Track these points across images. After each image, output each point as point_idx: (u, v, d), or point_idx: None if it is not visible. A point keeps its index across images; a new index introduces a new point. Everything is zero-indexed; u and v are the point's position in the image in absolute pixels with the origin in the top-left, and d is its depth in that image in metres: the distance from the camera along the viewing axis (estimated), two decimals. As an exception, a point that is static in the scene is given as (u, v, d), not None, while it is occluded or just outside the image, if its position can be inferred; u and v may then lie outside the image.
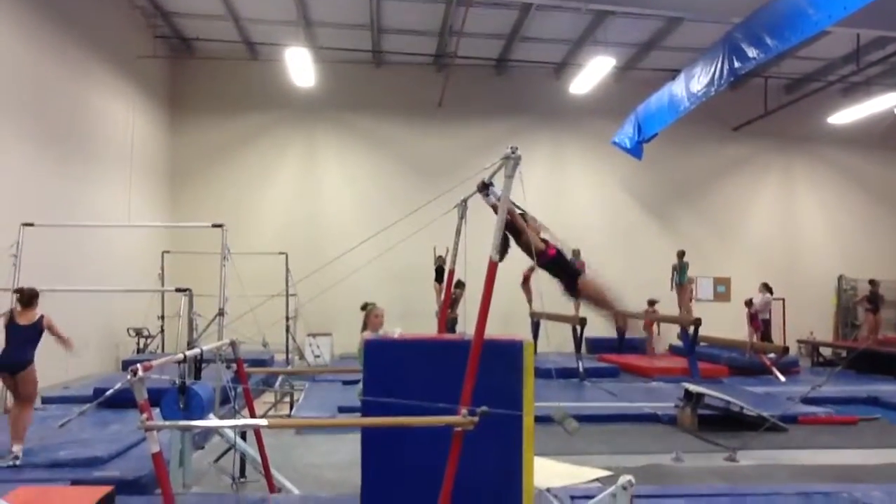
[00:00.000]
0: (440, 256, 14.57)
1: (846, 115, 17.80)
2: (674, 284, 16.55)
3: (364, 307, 7.08)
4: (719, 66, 11.04)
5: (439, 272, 14.91)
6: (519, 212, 4.96)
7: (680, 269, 16.29)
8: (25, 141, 11.18)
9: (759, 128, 18.90)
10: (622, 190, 19.40)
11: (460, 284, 12.61)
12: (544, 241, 5.21)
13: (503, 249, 4.99)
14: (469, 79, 18.27)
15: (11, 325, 6.67)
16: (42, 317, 6.76)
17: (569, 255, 5.32)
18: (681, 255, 16.34)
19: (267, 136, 18.31)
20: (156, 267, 14.77)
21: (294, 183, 18.42)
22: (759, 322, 15.65)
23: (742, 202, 20.09)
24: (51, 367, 11.36)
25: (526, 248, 5.07)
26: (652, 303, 16.06)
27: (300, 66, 15.22)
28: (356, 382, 7.21)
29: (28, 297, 6.80)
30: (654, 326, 16.59)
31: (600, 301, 5.31)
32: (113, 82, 14.54)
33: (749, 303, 15.69)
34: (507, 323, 13.96)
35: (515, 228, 4.99)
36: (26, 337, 6.62)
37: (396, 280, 16.46)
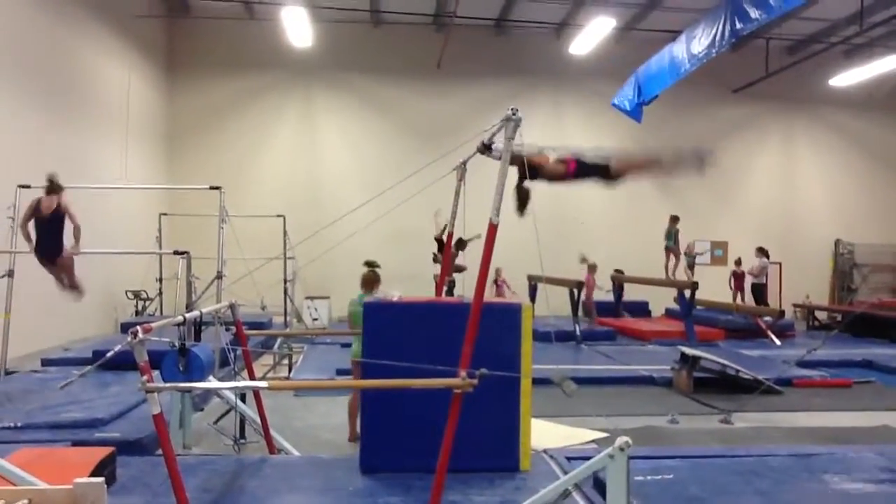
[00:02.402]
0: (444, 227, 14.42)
1: (848, 78, 17.66)
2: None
3: (368, 265, 7.05)
4: (721, 26, 10.90)
5: (440, 245, 14.87)
6: (525, 153, 4.88)
7: (668, 233, 16.05)
8: (21, 101, 11.06)
9: (759, 90, 18.74)
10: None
11: (461, 244, 12.57)
12: (561, 160, 5.14)
13: (524, 205, 4.98)
14: (468, 39, 18.07)
15: (37, 218, 7.32)
16: (59, 203, 7.35)
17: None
18: (672, 219, 16.04)
19: (264, 97, 18.16)
20: (153, 229, 14.73)
21: (292, 144, 18.32)
22: (743, 283, 15.78)
23: (741, 165, 20.01)
24: (50, 329, 11.46)
25: (551, 176, 5.04)
26: (591, 268, 15.71)
27: (297, 26, 15.03)
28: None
29: (53, 185, 7.45)
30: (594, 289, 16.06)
31: (641, 166, 5.25)
32: (109, 42, 14.37)
33: (738, 262, 15.83)
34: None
35: (534, 167, 4.93)
36: (52, 224, 7.28)
37: (395, 242, 16.43)
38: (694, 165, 5.02)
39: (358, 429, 6.44)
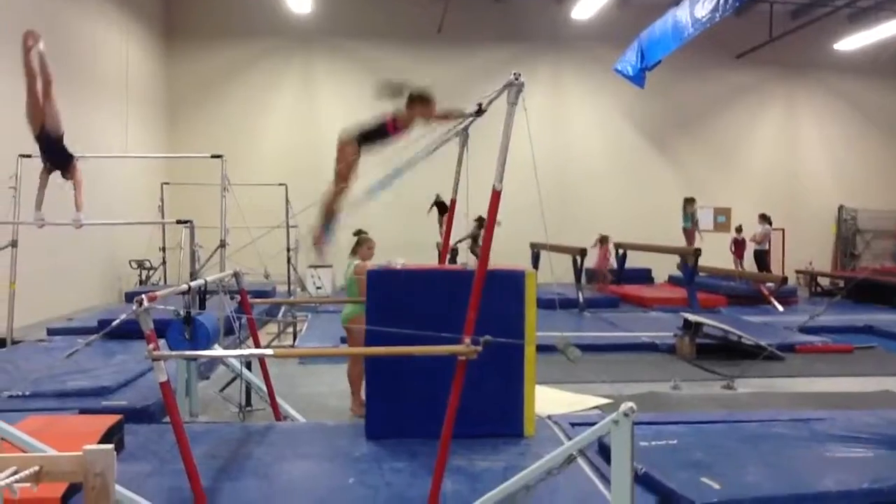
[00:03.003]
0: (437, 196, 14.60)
1: (853, 42, 17.48)
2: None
3: (357, 234, 7.11)
4: (726, -10, 10.77)
5: (441, 207, 14.88)
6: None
7: (684, 215, 16.10)
8: (19, 72, 10.95)
9: (763, 55, 18.54)
10: (623, 118, 19.20)
11: (481, 221, 12.70)
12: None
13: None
14: (469, 4, 17.87)
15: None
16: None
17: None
18: (687, 201, 16.05)
19: (264, 64, 18.00)
20: (155, 199, 14.70)
21: (292, 111, 18.20)
22: (744, 250, 15.83)
23: (744, 131, 19.90)
24: (55, 298, 11.50)
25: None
26: (604, 239, 15.96)
27: (296, -8, 14.86)
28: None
29: None
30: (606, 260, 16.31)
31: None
32: (107, 10, 14.21)
33: (739, 230, 15.88)
34: (507, 254, 13.98)
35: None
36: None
37: (397, 210, 16.39)
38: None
39: (363, 396, 6.51)
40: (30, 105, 6.72)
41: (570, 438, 4.71)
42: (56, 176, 7.00)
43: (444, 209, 14.44)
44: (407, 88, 4.91)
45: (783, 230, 18.24)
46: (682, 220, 15.94)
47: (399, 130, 5.01)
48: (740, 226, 16.26)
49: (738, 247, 15.92)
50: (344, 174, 5.14)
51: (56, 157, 6.65)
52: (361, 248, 6.93)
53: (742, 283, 14.69)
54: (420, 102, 4.91)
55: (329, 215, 5.23)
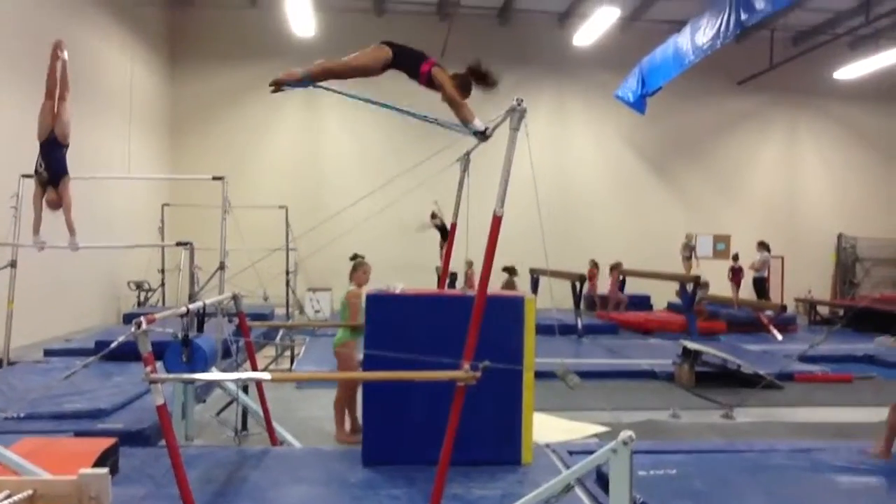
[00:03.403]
0: (433, 213, 14.54)
1: (853, 70, 17.58)
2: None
3: (354, 258, 7.12)
4: (726, 17, 10.87)
5: (443, 231, 14.86)
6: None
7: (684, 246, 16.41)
8: (24, 91, 11.01)
9: (764, 82, 18.67)
10: (624, 143, 19.29)
11: (513, 271, 12.64)
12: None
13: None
14: (472, 28, 18.01)
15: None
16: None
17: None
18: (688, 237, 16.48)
19: (267, 87, 18.01)
20: (156, 220, 14.72)
21: (294, 135, 18.29)
22: (741, 278, 15.90)
23: (744, 158, 19.98)
24: (52, 319, 11.46)
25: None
26: (616, 266, 16.16)
27: (301, 15, 14.97)
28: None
29: None
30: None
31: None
32: (112, 31, 14.33)
33: (735, 258, 15.97)
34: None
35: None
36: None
37: (397, 234, 16.43)
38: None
39: (348, 423, 6.46)
40: (45, 108, 6.66)
41: (568, 467, 4.68)
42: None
43: (445, 234, 14.38)
44: (479, 63, 4.64)
45: (782, 258, 18.24)
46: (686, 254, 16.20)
47: (427, 81, 4.69)
48: (737, 254, 16.31)
49: (736, 275, 15.95)
50: (356, 63, 4.80)
51: (54, 165, 6.52)
52: (357, 273, 6.94)
53: (741, 311, 14.66)
54: (475, 76, 4.64)
55: (314, 74, 4.82)
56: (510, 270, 12.89)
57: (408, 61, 4.66)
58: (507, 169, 3.68)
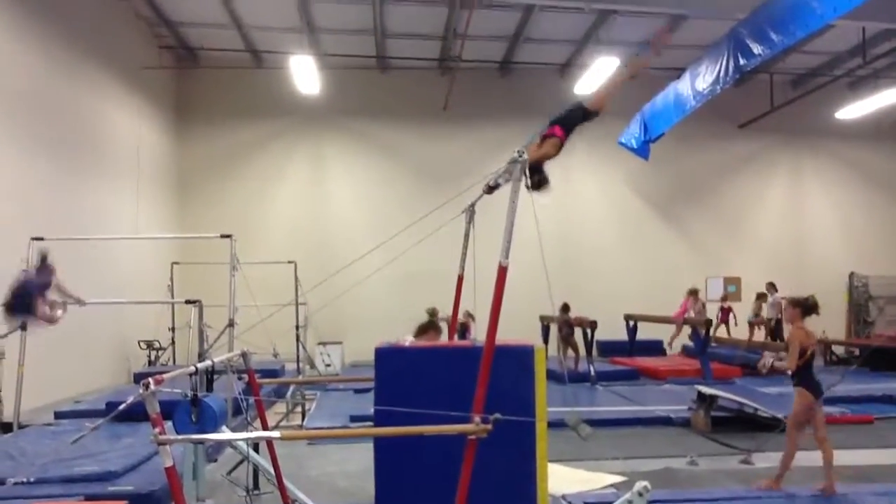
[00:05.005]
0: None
1: (854, 110, 17.69)
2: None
3: (431, 313, 6.93)
4: (724, 63, 10.99)
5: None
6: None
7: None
8: (34, 154, 11.21)
9: (765, 124, 18.81)
10: (629, 189, 19.36)
11: (433, 313, 11.69)
12: (548, 136, 5.34)
13: (542, 184, 4.95)
14: (474, 81, 18.28)
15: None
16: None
17: None
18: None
19: (273, 144, 18.35)
20: (165, 278, 14.79)
21: (302, 190, 18.45)
22: (728, 317, 16.24)
23: (750, 200, 20.00)
24: (63, 380, 11.44)
25: (555, 154, 5.27)
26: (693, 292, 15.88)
27: (305, 74, 15.25)
28: (367, 391, 7.15)
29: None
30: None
31: (611, 89, 5.20)
32: (119, 93, 14.59)
33: (724, 298, 16.03)
34: (516, 327, 13.89)
35: (537, 164, 5.01)
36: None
37: (405, 285, 16.42)
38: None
39: None
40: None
41: (585, 519, 4.59)
42: (53, 255, 7.63)
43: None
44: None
45: (794, 298, 18.12)
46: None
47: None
48: (725, 296, 16.41)
49: (724, 314, 16.11)
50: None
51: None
52: (428, 333, 6.66)
53: (755, 354, 14.50)
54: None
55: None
56: (431, 313, 11.42)
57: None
58: (511, 220, 3.69)
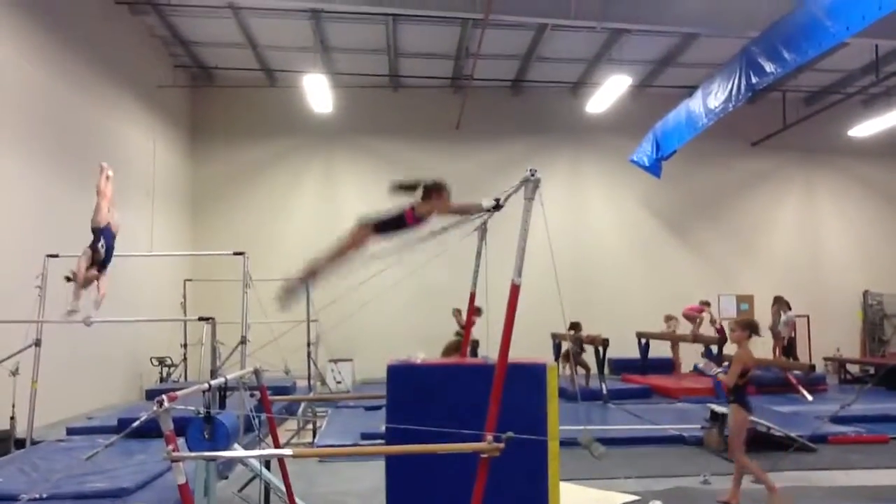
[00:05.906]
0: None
1: (867, 128, 17.65)
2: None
3: (458, 334, 6.96)
4: (736, 81, 11.01)
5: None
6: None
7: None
8: (49, 171, 11.33)
9: (778, 142, 18.78)
10: (641, 207, 19.33)
11: (478, 311, 11.85)
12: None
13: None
14: (486, 100, 18.37)
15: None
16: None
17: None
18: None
19: (286, 162, 18.46)
20: (178, 295, 14.85)
21: (314, 208, 18.51)
22: (723, 332, 15.84)
23: (763, 218, 19.92)
24: (76, 397, 11.49)
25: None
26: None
27: (318, 93, 15.37)
28: (378, 408, 7.15)
29: None
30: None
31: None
32: (134, 112, 14.75)
33: (714, 321, 15.84)
34: (528, 344, 13.86)
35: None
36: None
37: (418, 303, 16.43)
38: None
39: None
40: (101, 206, 7.85)
41: (597, 538, 4.55)
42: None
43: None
44: (420, 183, 4.99)
45: (808, 316, 17.99)
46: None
47: (418, 221, 5.06)
48: (719, 323, 16.28)
49: (719, 334, 15.99)
50: (345, 250, 5.30)
51: (109, 252, 7.59)
52: (452, 354, 6.76)
53: (769, 372, 14.41)
54: (435, 191, 4.99)
55: (308, 275, 5.40)
56: (458, 334, 11.23)
57: (392, 225, 5.13)
58: (524, 238, 3.69)
